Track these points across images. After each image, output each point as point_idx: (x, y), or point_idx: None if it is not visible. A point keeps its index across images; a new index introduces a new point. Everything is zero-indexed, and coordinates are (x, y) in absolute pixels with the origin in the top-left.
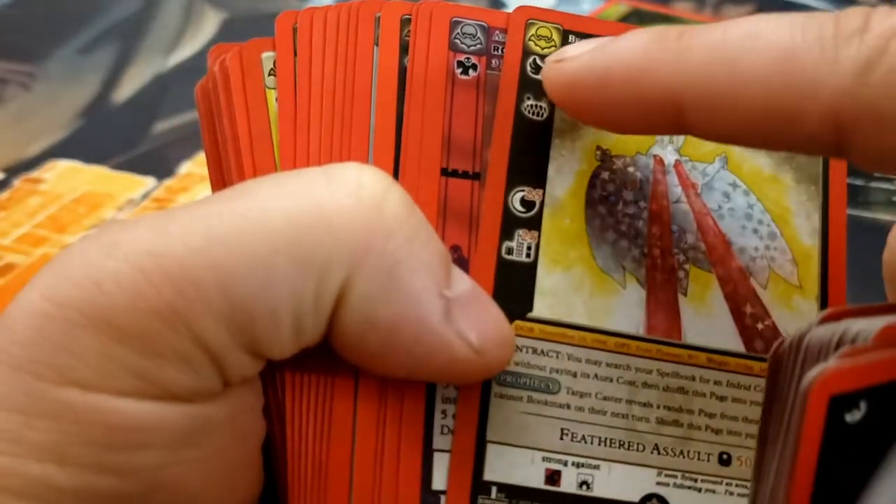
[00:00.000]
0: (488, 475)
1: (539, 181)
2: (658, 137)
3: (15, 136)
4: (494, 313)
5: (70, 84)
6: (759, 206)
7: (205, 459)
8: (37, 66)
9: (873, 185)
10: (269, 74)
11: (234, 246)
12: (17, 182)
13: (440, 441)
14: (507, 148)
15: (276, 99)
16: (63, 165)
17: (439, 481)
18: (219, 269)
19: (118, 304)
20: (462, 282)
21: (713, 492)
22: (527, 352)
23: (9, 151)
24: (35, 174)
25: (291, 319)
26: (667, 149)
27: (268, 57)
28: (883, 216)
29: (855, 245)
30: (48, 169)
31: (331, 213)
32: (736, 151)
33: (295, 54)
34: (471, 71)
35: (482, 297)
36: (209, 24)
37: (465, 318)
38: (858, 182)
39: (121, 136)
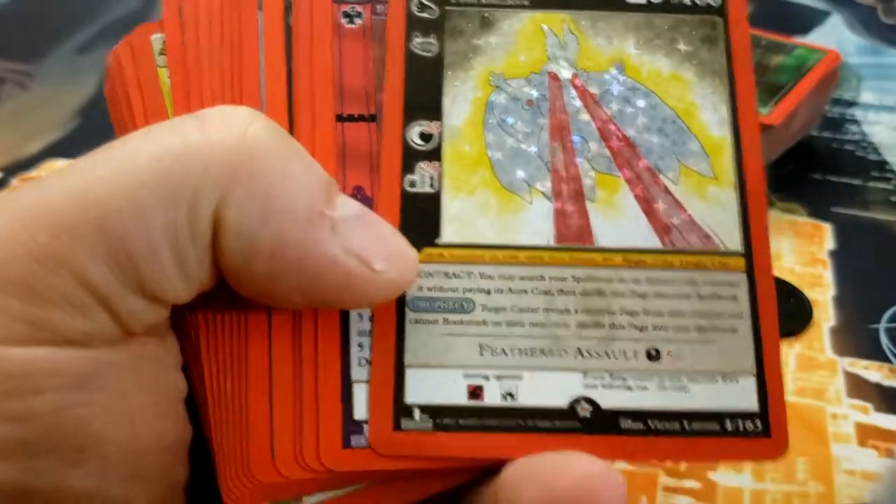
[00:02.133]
0: (410, 398)
1: (435, 114)
2: (550, 54)
3: (12, 135)
4: (385, 231)
5: (68, 83)
6: (663, 105)
7: (107, 403)
8: (34, 65)
9: (871, 184)
10: (160, 54)
11: (105, 186)
12: (14, 181)
13: (359, 373)
14: (400, 86)
15: (169, 76)
16: (60, 165)
17: (360, 411)
18: (91, 209)
19: (1, 257)
20: (349, 205)
21: (645, 388)
22: (439, 276)
23: (6, 151)
24: (33, 173)
25: (171, 252)
26: (560, 64)
27: (157, 38)
28: (881, 216)
29: (854, 245)
30: (46, 168)
31: (197, 146)
32: (633, 56)
33: (183, 30)
34: (356, 19)
35: (372, 218)
36: None
37: (353, 236)
38: (856, 181)
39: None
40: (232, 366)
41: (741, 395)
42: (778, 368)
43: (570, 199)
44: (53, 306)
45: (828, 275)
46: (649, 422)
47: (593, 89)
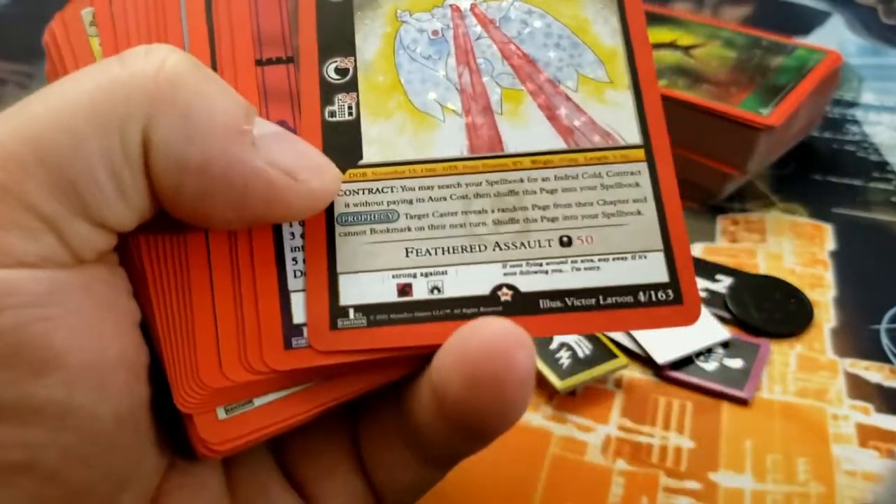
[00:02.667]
0: (344, 301)
1: (349, 50)
2: None
3: None
4: (306, 148)
5: None
6: (557, 23)
7: (65, 318)
8: (35, 66)
9: (872, 185)
10: (91, 25)
11: (42, 120)
12: None
13: (295, 283)
14: (313, 29)
15: (100, 44)
16: None
17: (299, 316)
18: (31, 142)
19: None
20: (268, 125)
21: (560, 271)
22: (363, 193)
23: None
24: None
25: (108, 176)
26: None
27: (87, 11)
28: (881, 216)
29: (855, 245)
30: None
31: (121, 78)
32: None
33: (111, 2)
34: None
35: (291, 136)
36: None
37: (275, 150)
38: (857, 182)
39: None
40: (175, 286)
41: (651, 269)
42: (685, 243)
43: (479, 113)
44: (6, 232)
45: (829, 275)
46: (566, 300)
47: (492, 16)
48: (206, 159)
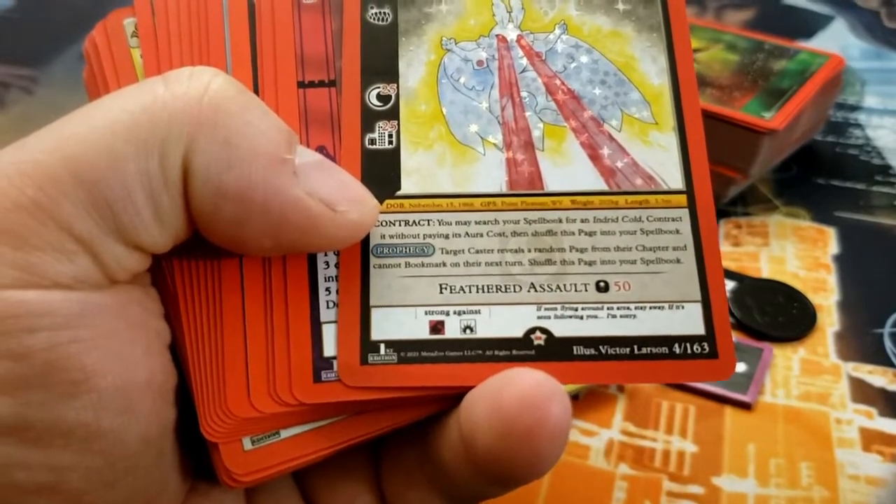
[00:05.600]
0: (376, 335)
1: (392, 77)
2: (498, 18)
3: (17, 140)
4: (345, 178)
5: (72, 89)
6: (604, 59)
7: (97, 340)
8: (39, 70)
9: (875, 189)
10: (133, 36)
11: (81, 140)
12: None
13: (327, 314)
14: (357, 53)
15: (141, 55)
16: None
17: (329, 348)
18: (70, 161)
19: None
20: (309, 153)
21: (595, 317)
22: (400, 225)
23: None
24: None
25: (146, 199)
26: (507, 27)
27: (129, 22)
28: (885, 220)
29: (858, 249)
30: None
31: (164, 99)
32: (574, 16)
33: (153, 13)
34: None
35: (331, 165)
36: None
37: (315, 180)
38: (860, 186)
39: None
40: (208, 312)
41: (688, 321)
42: (722, 295)
43: (521, 148)
44: (42, 252)
45: (832, 279)
46: (601, 347)
47: (539, 48)
48: (245, 186)
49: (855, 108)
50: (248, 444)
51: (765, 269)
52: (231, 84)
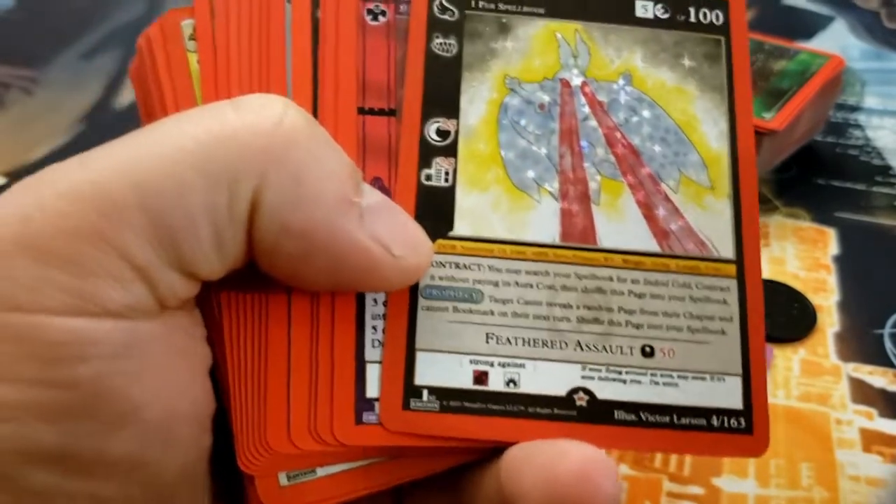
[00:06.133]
0: (419, 380)
1: (453, 112)
2: (563, 62)
3: (17, 141)
4: (407, 220)
5: (72, 89)
6: (666, 116)
7: (143, 372)
8: (39, 71)
9: (875, 189)
10: (190, 39)
11: (149, 166)
12: None
13: (372, 354)
14: (420, 84)
15: (198, 61)
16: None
17: (373, 390)
18: (136, 188)
19: (46, 231)
20: (373, 194)
21: (639, 382)
22: (450, 267)
23: (10, 156)
24: None
25: (210, 230)
26: (572, 72)
27: (187, 24)
28: (885, 221)
29: (858, 249)
30: None
31: (235, 129)
32: (640, 68)
33: (212, 17)
34: (380, 17)
35: (394, 208)
36: None
37: (378, 223)
38: (860, 186)
39: None
40: (252, 342)
41: (727, 394)
42: (762, 370)
43: (576, 200)
44: (97, 279)
45: (832, 280)
46: (641, 414)
47: (602, 97)
48: (310, 226)
49: (855, 108)
50: (283, 479)
51: (765, 270)
52: (304, 117)
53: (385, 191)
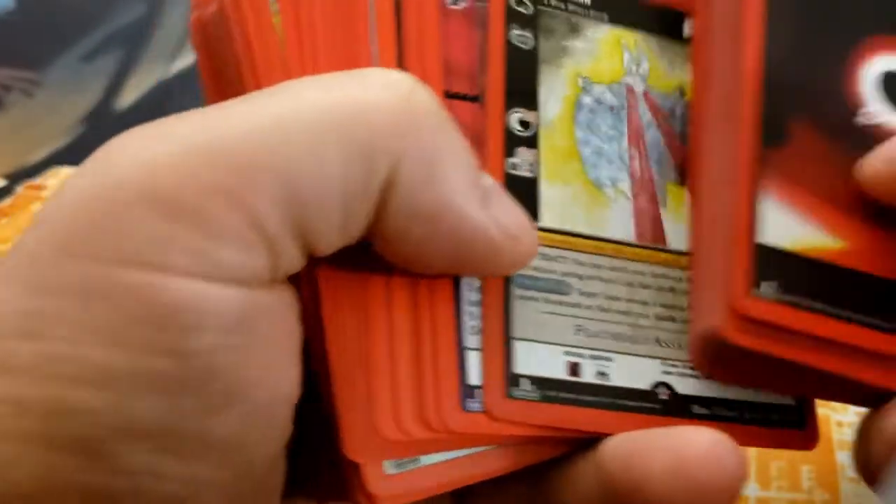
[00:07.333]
0: (518, 369)
1: (533, 103)
2: (627, 67)
3: (17, 142)
4: (515, 204)
5: (72, 91)
6: None
7: (256, 348)
8: (39, 72)
9: None
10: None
11: (287, 131)
12: (19, 189)
13: (471, 340)
14: (501, 72)
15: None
16: (65, 172)
17: (473, 377)
18: (274, 154)
19: (174, 184)
20: (488, 178)
21: (711, 377)
22: (539, 258)
23: (11, 158)
24: (37, 181)
25: (340, 204)
26: (636, 79)
27: None
28: None
29: None
30: (51, 176)
31: (368, 105)
32: (689, 84)
33: None
34: (460, 2)
35: (503, 192)
36: None
37: (497, 207)
38: None
39: None
40: (354, 325)
41: None
42: None
43: (647, 201)
44: (222, 240)
45: None
46: (714, 408)
47: (662, 107)
48: (439, 210)
49: None
50: (389, 467)
51: None
52: (431, 95)
53: None
